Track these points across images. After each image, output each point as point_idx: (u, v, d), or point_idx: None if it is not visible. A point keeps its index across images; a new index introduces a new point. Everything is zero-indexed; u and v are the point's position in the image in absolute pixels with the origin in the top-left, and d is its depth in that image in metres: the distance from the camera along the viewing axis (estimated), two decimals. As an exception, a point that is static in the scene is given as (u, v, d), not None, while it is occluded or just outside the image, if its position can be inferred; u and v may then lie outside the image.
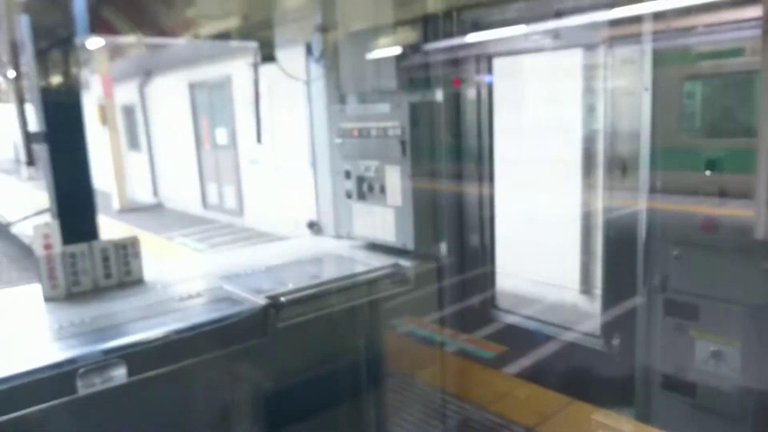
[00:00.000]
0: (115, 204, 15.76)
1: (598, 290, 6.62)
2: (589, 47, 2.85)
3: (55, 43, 2.67)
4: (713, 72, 2.27)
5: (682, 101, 2.34)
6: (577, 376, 2.91)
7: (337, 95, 3.59)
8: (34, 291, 2.78)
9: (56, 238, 2.74)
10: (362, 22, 3.21)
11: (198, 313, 2.53)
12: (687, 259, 2.38)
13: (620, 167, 2.57)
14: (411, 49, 3.08)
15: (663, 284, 2.47)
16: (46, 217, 2.94)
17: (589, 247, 6.60)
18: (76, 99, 2.84)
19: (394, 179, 3.17)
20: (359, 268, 3.18)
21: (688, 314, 2.40)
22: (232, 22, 3.29)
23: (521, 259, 6.45)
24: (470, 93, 3.17)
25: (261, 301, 2.62)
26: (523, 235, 6.28)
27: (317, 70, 3.68)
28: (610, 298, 2.72)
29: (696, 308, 2.38)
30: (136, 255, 2.97)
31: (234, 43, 3.52)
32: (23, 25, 2.63)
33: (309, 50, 3.66)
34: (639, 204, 2.49)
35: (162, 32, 3.16)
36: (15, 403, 2.00)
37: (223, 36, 3.30)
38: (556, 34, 2.72)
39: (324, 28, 3.54)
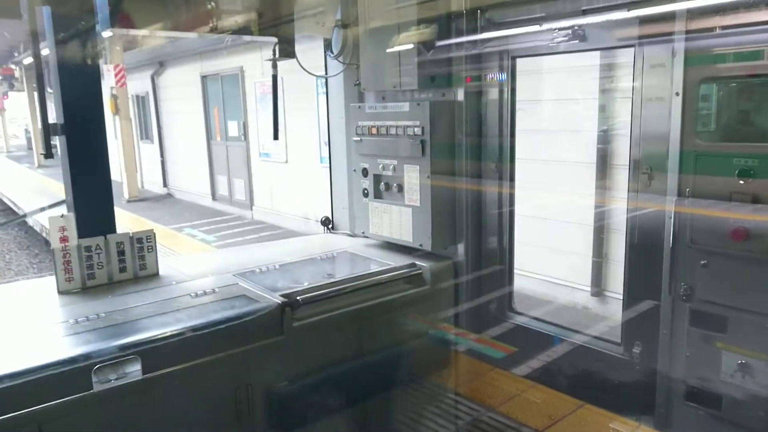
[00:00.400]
0: (124, 193, 15.82)
1: (609, 293, 6.60)
2: (617, 48, 2.78)
3: (75, 34, 2.64)
4: (745, 74, 2.21)
5: (713, 104, 2.28)
6: (596, 382, 2.86)
7: (356, 92, 3.55)
8: (49, 284, 2.77)
9: (72, 231, 2.73)
10: (383, 19, 3.16)
11: (213, 311, 2.51)
12: (716, 268, 2.33)
13: (647, 170, 2.51)
14: (433, 48, 3.03)
15: (689, 293, 2.41)
16: (62, 209, 2.92)
17: (602, 249, 6.58)
18: (96, 91, 2.82)
19: (413, 178, 3.13)
20: (375, 268, 3.16)
21: (715, 325, 2.34)
22: (251, 17, 3.25)
23: (532, 257, 6.43)
24: (492, 92, 3.12)
25: (277, 299, 2.60)
26: (534, 234, 6.25)
27: (336, 67, 3.64)
28: (632, 305, 2.66)
29: (724, 319, 2.32)
30: (152, 249, 2.94)
31: (249, 37, 3.48)
32: (45, 15, 2.61)
33: (328, 47, 3.62)
34: (666, 208, 2.43)
35: (181, 26, 3.12)
36: (30, 398, 1.98)
37: (242, 31, 3.26)
38: (582, 34, 2.66)
39: (344, 25, 3.49)
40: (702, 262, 2.36)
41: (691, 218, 2.36)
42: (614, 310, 6.12)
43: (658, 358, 2.54)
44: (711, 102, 2.29)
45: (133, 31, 2.94)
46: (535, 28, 2.81)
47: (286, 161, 11.96)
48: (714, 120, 2.32)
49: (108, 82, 14.53)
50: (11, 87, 27.95)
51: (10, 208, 16.40)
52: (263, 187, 12.99)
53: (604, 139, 6.20)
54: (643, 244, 2.59)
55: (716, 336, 2.35)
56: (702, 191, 2.32)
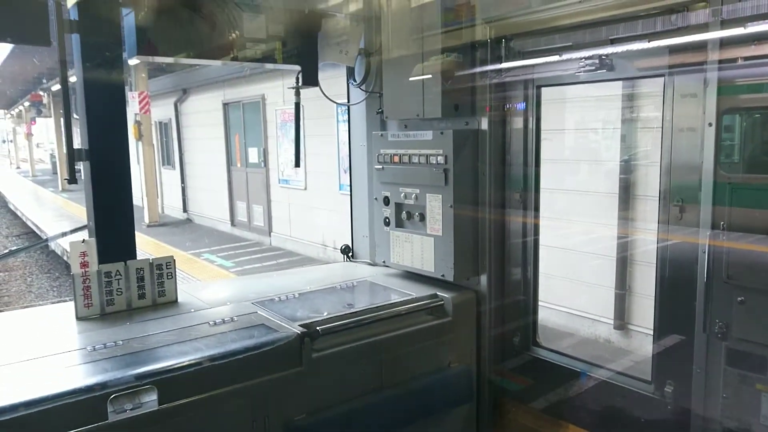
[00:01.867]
0: (145, 218, 15.99)
1: (633, 326, 6.44)
2: (646, 78, 2.73)
3: (103, 62, 2.67)
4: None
5: (749, 135, 2.22)
6: (625, 421, 2.74)
7: (378, 120, 3.54)
8: (68, 309, 2.75)
9: (93, 256, 2.71)
10: (407, 48, 3.16)
11: (232, 340, 2.47)
12: (755, 305, 2.23)
13: (678, 202, 2.44)
14: (457, 76, 3.01)
15: (725, 331, 2.31)
16: (84, 234, 2.92)
17: (625, 281, 6.45)
18: (121, 118, 2.83)
19: (435, 207, 3.09)
20: (396, 298, 3.10)
21: (754, 365, 2.24)
22: (275, 46, 3.27)
23: (552, 288, 6.32)
24: (516, 121, 3.09)
25: (296, 329, 2.55)
26: (554, 264, 6.15)
27: (358, 95, 3.64)
28: (663, 342, 2.56)
29: (763, 360, 2.21)
30: (171, 276, 2.92)
31: (272, 65, 3.51)
32: (74, 42, 2.64)
33: (351, 75, 3.63)
34: (699, 241, 2.35)
35: (206, 54, 3.15)
36: (44, 428, 1.94)
37: (267, 59, 3.28)
38: (610, 63, 2.62)
39: (367, 53, 3.50)
40: (739, 298, 2.26)
41: (727, 252, 2.27)
42: (638, 344, 5.96)
43: (692, 398, 2.43)
44: (747, 133, 2.23)
45: (159, 59, 2.96)
46: (562, 57, 2.78)
47: (305, 188, 12.01)
48: (750, 151, 2.25)
49: (132, 109, 14.82)
50: (39, 113, 28.74)
51: (34, 231, 16.65)
52: (282, 214, 13.04)
53: (627, 169, 6.12)
54: (675, 278, 2.50)
55: (755, 377, 2.24)
56: (738, 224, 2.24)
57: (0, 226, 19.14)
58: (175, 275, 2.93)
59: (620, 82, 5.39)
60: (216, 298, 3.06)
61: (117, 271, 2.76)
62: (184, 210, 17.95)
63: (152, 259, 2.87)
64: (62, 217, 17.44)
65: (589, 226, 6.53)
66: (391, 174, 3.32)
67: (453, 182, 3.00)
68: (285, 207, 12.86)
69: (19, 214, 20.08)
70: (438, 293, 3.09)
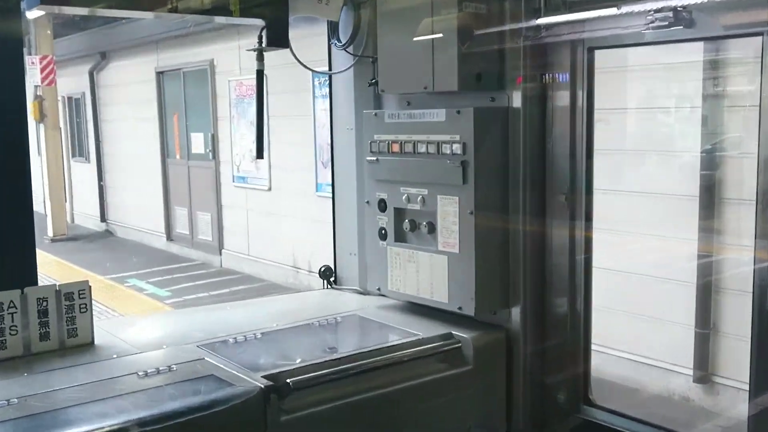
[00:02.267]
0: (48, 230, 15.98)
1: (720, 378, 6.44)
2: (737, 37, 2.76)
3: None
4: None
5: None
6: None
7: (372, 95, 3.57)
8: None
9: (-24, 282, 2.72)
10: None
11: (170, 397, 2.49)
12: None
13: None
14: (479, 36, 3.04)
15: None
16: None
17: (709, 316, 6.47)
18: (18, 91, 2.85)
19: (450, 214, 3.12)
20: (395, 339, 3.13)
21: None
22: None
23: (608, 326, 6.33)
24: (560, 96, 3.11)
25: (258, 382, 2.57)
26: (611, 293, 6.17)
27: (344, 61, 3.67)
28: (763, 400, 2.59)
29: None
30: (86, 308, 2.94)
31: (225, 18, 3.55)
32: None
33: (334, 33, 3.65)
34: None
35: (133, 4, 3.18)
36: None
37: (219, 11, 3.31)
38: (688, 18, 2.64)
39: (356, 3, 3.53)
40: None
41: None
42: (729, 403, 5.98)
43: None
44: None
45: (68, 10, 2.98)
46: (621, 9, 2.80)
47: (270, 188, 12.04)
48: None
49: (32, 79, 14.83)
50: None
51: None
52: (237, 224, 13.06)
53: (710, 163, 6.17)
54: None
55: None
56: None
57: None
58: (91, 308, 2.94)
59: (701, 44, 5.45)
60: (147, 339, 3.09)
61: (11, 302, 2.76)
62: (103, 218, 17.97)
63: (59, 285, 2.87)
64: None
65: (659, 240, 6.56)
66: (388, 168, 3.34)
67: (474, 180, 3.02)
68: (242, 215, 12.89)
69: None
70: (453, 332, 3.12)
